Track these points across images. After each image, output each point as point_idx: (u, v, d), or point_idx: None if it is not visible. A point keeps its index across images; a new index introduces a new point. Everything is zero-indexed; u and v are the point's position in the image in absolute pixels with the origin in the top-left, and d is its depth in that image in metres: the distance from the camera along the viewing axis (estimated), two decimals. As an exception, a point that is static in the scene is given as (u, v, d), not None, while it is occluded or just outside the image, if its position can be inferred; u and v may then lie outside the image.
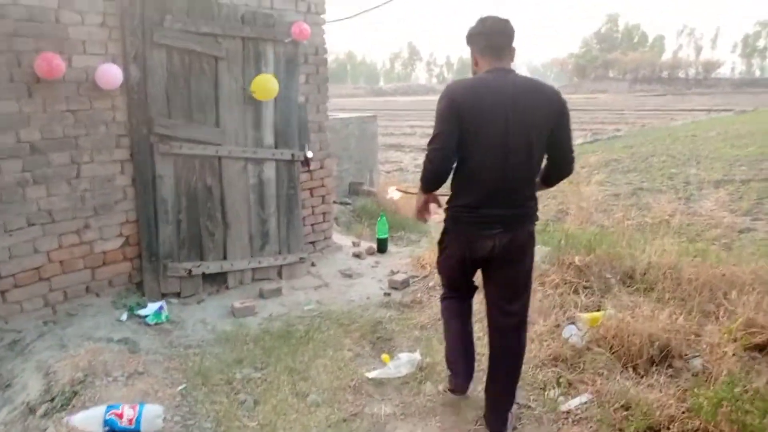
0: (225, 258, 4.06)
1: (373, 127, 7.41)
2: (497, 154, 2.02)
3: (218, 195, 4.02)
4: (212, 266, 3.99)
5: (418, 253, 4.87)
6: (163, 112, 3.66)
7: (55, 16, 3.18)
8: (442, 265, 2.37)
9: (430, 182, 2.13)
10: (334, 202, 6.79)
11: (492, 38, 2.07)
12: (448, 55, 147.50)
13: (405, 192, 4.09)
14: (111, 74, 3.34)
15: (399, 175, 9.77)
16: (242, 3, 4.01)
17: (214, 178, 3.97)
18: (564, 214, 6.47)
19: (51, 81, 3.16)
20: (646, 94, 53.15)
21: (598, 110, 29.71)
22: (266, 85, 3.95)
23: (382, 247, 5.15)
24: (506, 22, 2.09)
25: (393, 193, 3.81)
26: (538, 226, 2.28)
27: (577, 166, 2.20)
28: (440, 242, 2.32)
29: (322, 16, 4.63)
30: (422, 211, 2.27)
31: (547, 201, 6.98)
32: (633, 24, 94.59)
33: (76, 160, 3.40)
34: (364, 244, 5.30)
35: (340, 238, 5.50)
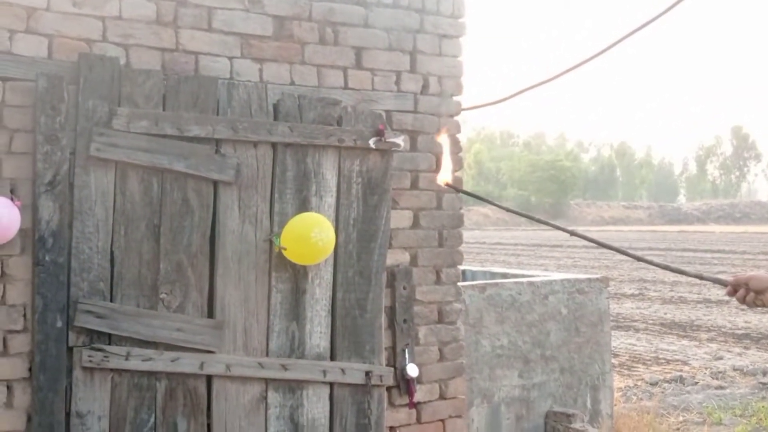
0: None
1: (597, 302, 6.30)
2: None
3: (201, 454, 3.30)
4: None
5: None
6: (98, 288, 3.15)
7: None
8: None
9: None
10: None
11: None
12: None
13: (458, 189, 3.35)
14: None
15: (673, 394, 8.20)
16: (283, 81, 3.51)
17: (195, 419, 3.33)
18: None
19: None
20: None
21: None
22: (306, 234, 3.29)
23: None
24: None
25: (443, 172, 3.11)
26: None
27: None
28: None
29: (455, 98, 3.98)
30: None
31: None
32: None
33: None
34: None
35: None
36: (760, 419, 7.07)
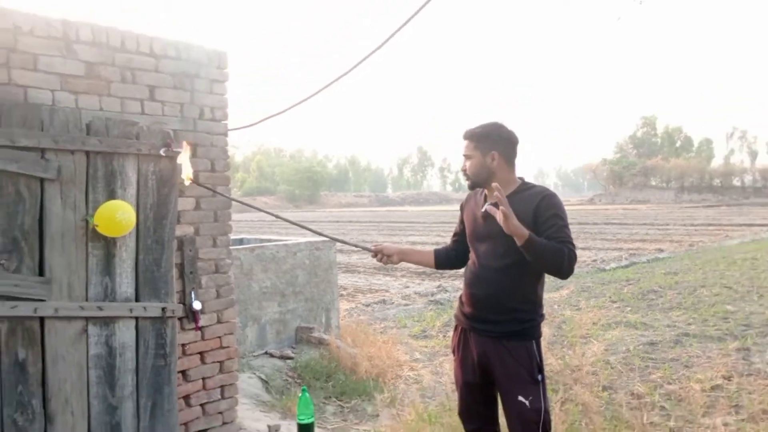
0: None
1: (328, 255, 6.67)
2: None
3: (37, 373, 3.16)
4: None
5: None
6: (-51, 258, 2.89)
7: None
8: None
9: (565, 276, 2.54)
10: (271, 356, 5.87)
11: (516, 149, 2.66)
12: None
13: (198, 183, 3.46)
14: None
15: (379, 311, 8.82)
16: (94, 108, 3.40)
17: (32, 349, 3.16)
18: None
19: None
20: (695, 206, 51.37)
21: (637, 224, 28.18)
22: (113, 215, 3.23)
23: (304, 437, 4.08)
24: None
25: (184, 171, 3.26)
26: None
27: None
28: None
29: (223, 122, 4.04)
30: None
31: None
32: (674, 127, 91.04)
33: None
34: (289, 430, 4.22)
35: (254, 417, 4.43)
36: (428, 322, 7.83)
